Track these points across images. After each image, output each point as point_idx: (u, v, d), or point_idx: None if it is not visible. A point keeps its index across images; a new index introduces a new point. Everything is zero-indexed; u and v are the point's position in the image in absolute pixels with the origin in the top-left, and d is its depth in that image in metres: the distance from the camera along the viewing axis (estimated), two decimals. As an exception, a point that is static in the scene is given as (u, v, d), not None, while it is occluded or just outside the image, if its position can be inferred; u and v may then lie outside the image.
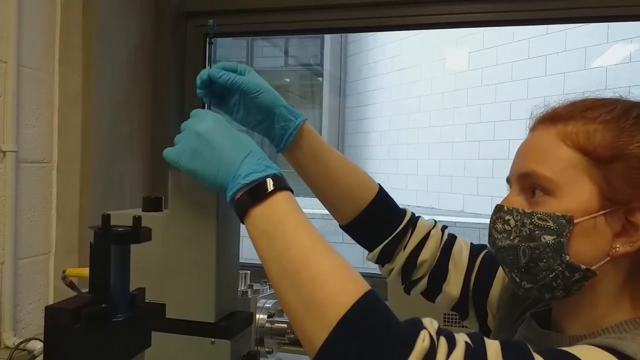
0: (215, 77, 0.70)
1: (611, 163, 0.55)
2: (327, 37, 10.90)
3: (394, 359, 0.43)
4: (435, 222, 0.82)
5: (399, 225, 0.79)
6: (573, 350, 0.47)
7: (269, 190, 0.54)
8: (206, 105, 0.73)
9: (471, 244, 0.80)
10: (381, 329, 0.45)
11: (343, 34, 10.72)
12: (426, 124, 8.46)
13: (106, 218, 0.44)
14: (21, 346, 1.18)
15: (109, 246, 0.44)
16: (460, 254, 0.78)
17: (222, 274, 0.62)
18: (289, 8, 1.53)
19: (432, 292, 0.79)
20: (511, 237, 0.58)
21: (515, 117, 7.02)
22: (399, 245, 0.79)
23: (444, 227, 0.83)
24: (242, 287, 0.82)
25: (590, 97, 0.62)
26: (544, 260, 0.56)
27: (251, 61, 11.74)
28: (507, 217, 0.59)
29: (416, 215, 0.83)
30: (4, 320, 1.21)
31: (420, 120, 8.71)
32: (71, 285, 0.75)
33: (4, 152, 1.20)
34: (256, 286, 0.85)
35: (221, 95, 0.74)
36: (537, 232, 0.56)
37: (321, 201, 0.79)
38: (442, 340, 0.45)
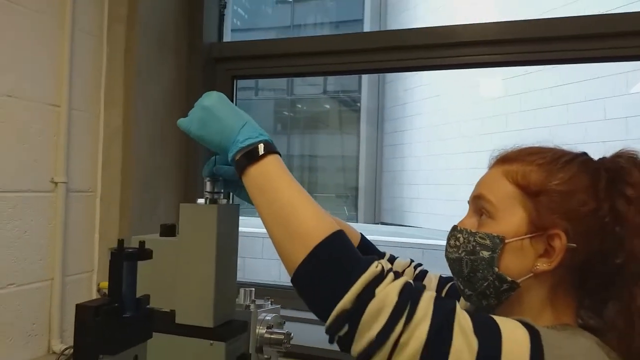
0: (216, 174, 0.83)
1: (538, 196, 0.67)
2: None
3: (351, 275, 0.57)
4: (411, 260, 0.98)
5: None
6: (495, 317, 0.59)
7: (261, 153, 0.68)
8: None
9: (440, 276, 0.94)
10: (346, 255, 0.60)
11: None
12: (465, 149, 8.47)
13: (121, 242, 0.59)
14: (66, 352, 1.35)
15: (122, 262, 0.59)
16: (429, 285, 0.92)
17: (220, 287, 0.76)
18: (316, 53, 1.68)
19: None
20: (459, 252, 0.70)
21: (556, 142, 6.97)
22: None
23: (418, 265, 0.98)
24: (246, 302, 0.96)
25: (534, 146, 0.74)
26: (480, 271, 0.68)
27: (291, 89, 12.08)
28: (458, 235, 0.71)
29: (394, 256, 0.97)
30: (53, 329, 1.39)
31: (459, 146, 8.72)
32: (104, 295, 0.90)
33: (56, 183, 1.39)
34: (259, 302, 0.98)
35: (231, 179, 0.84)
36: (477, 248, 0.68)
37: None
38: (391, 273, 0.59)
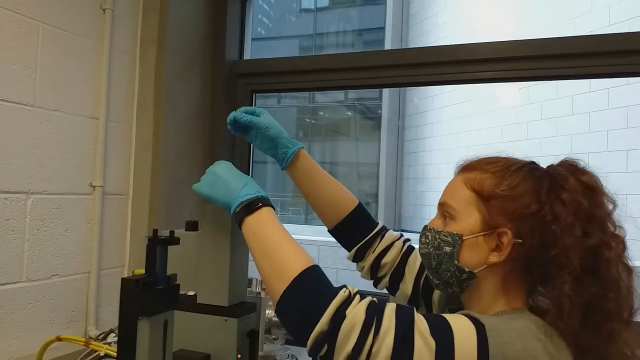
0: (238, 118, 1.03)
1: (489, 200, 0.80)
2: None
3: (324, 301, 0.69)
4: (401, 235, 1.09)
5: (370, 233, 1.06)
6: (445, 315, 0.72)
7: (257, 205, 0.83)
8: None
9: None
10: (319, 285, 0.73)
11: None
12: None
13: (155, 231, 0.75)
14: (100, 337, 1.53)
15: (156, 246, 0.74)
16: (415, 262, 1.03)
17: (233, 273, 0.92)
18: (328, 70, 1.84)
19: (392, 289, 1.04)
20: (428, 247, 0.84)
21: (576, 150, 6.96)
22: (369, 249, 1.06)
23: (407, 240, 1.09)
24: (257, 290, 1.11)
25: (492, 155, 0.87)
26: (444, 263, 0.81)
27: (313, 97, 12.23)
28: (427, 234, 0.85)
29: (387, 227, 1.10)
30: (89, 316, 1.57)
31: (480, 153, 8.73)
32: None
33: (94, 187, 1.58)
34: (268, 290, 1.14)
35: (244, 129, 1.06)
36: (441, 244, 0.82)
37: (313, 209, 1.08)
38: (357, 295, 0.72)
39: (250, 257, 0.83)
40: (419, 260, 1.03)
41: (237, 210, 0.83)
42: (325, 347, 0.67)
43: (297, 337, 0.71)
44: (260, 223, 0.81)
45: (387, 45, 11.78)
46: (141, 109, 1.72)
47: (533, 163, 0.84)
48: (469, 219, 0.80)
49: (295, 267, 0.73)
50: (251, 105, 1.94)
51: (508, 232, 0.77)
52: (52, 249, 1.46)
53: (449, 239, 0.81)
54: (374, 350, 0.66)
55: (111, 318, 1.63)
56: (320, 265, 0.77)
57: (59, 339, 1.17)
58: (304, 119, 12.66)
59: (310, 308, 0.69)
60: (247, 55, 2.02)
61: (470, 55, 1.66)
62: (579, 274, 0.72)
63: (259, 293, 1.09)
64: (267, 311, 1.10)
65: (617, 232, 0.77)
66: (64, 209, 1.49)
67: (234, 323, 0.90)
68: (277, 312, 0.74)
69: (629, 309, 0.74)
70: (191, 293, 0.92)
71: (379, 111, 11.63)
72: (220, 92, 1.92)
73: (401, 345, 0.66)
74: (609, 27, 6.15)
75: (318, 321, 0.67)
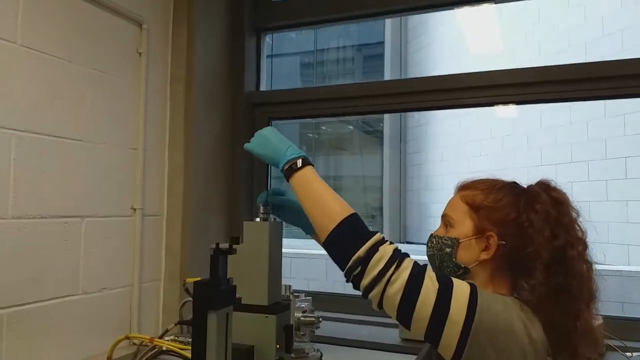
0: (270, 202, 1.21)
1: (479, 211, 1.02)
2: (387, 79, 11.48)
3: (364, 237, 0.92)
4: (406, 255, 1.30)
5: None
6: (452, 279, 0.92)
7: (301, 164, 1.03)
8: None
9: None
10: (361, 226, 0.95)
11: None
12: (487, 167, 8.67)
13: (217, 244, 0.96)
14: (143, 343, 1.72)
15: (219, 256, 0.95)
16: None
17: (271, 278, 1.12)
18: (337, 98, 2.07)
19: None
20: (433, 250, 1.06)
21: (577, 159, 7.12)
22: None
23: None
24: (287, 294, 1.31)
25: (483, 178, 1.09)
26: (445, 261, 1.03)
27: (316, 112, 12.47)
28: (433, 240, 1.07)
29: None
30: (132, 324, 1.77)
31: (480, 164, 8.93)
32: (187, 290, 1.26)
33: (135, 209, 1.79)
34: (297, 293, 1.34)
35: (278, 209, 1.22)
36: (443, 246, 1.03)
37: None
38: (388, 241, 0.93)
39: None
40: None
41: (285, 167, 1.04)
42: (359, 269, 0.91)
43: (340, 262, 0.94)
44: (307, 179, 1.03)
45: (387, 59, 12.03)
46: (172, 139, 1.93)
47: (514, 182, 1.06)
48: (464, 226, 1.02)
49: (342, 212, 0.96)
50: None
51: (494, 235, 0.99)
52: (102, 265, 1.66)
53: (449, 242, 1.02)
54: (392, 278, 0.89)
55: (150, 324, 1.84)
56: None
57: (127, 337, 1.38)
58: (307, 134, 12.92)
59: (354, 241, 0.92)
60: (263, 86, 2.25)
61: (465, 83, 1.89)
62: (548, 265, 0.93)
63: (288, 296, 1.29)
64: (295, 312, 1.31)
65: (579, 234, 0.98)
66: (111, 229, 1.70)
67: (273, 319, 1.11)
68: (326, 244, 0.96)
69: (589, 293, 0.95)
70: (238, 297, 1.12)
71: (381, 124, 11.87)
72: (240, 121, 2.14)
73: (414, 281, 0.89)
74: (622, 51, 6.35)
75: (359, 250, 0.90)
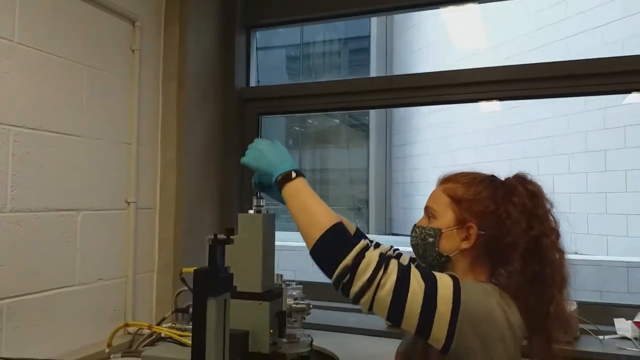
0: (262, 181, 1.27)
1: (460, 203, 1.08)
2: (373, 74, 11.54)
3: (350, 245, 0.96)
4: (391, 246, 1.37)
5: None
6: (432, 271, 0.99)
7: (293, 176, 1.09)
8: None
9: (410, 257, 1.32)
10: (346, 234, 1.00)
11: (389, 73, 11.35)
12: (471, 160, 8.78)
13: (215, 235, 1.02)
14: (138, 332, 1.78)
15: (217, 245, 1.01)
16: (404, 262, 1.31)
17: (264, 266, 1.19)
18: (324, 94, 2.13)
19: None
20: (417, 239, 1.12)
21: (559, 152, 7.26)
22: None
23: (396, 249, 1.38)
24: (278, 282, 1.38)
25: (464, 171, 1.16)
26: (428, 250, 1.10)
27: (302, 106, 12.48)
28: (416, 230, 1.13)
29: (379, 243, 1.37)
30: (127, 314, 1.81)
31: (464, 158, 9.04)
32: (183, 280, 1.31)
33: (129, 202, 1.84)
34: (288, 282, 1.41)
35: (267, 188, 1.27)
36: (426, 236, 1.10)
37: None
38: (372, 246, 0.99)
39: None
40: (406, 260, 1.32)
41: (279, 179, 1.10)
42: (347, 277, 0.95)
43: (326, 271, 0.98)
44: (298, 189, 1.09)
45: (373, 53, 12.09)
46: (165, 134, 1.98)
47: (493, 176, 1.13)
48: (446, 217, 1.09)
49: (329, 221, 1.01)
50: (257, 125, 2.23)
51: (474, 226, 1.06)
52: (97, 257, 1.71)
53: (432, 232, 1.09)
54: (382, 282, 0.94)
55: (144, 314, 1.89)
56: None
57: (127, 325, 1.43)
58: (294, 127, 12.94)
59: (339, 249, 0.97)
60: (252, 82, 2.30)
61: (449, 80, 1.96)
62: (524, 255, 1.00)
63: (280, 284, 1.36)
64: (287, 299, 1.37)
65: (553, 225, 1.06)
66: (106, 222, 1.75)
67: (266, 305, 1.17)
68: (312, 252, 1.01)
69: (561, 280, 1.02)
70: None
71: (367, 117, 11.94)
72: (231, 116, 2.19)
73: (401, 281, 0.94)
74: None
75: (345, 258, 0.95)
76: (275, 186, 1.12)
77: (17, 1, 1.45)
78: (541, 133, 7.52)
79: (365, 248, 0.98)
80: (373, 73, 11.54)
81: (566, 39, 6.89)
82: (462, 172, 1.15)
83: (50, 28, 1.54)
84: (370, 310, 0.96)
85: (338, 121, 12.59)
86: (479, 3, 2.20)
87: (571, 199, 6.90)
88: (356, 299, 0.96)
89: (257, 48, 2.39)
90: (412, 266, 0.99)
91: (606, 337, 1.67)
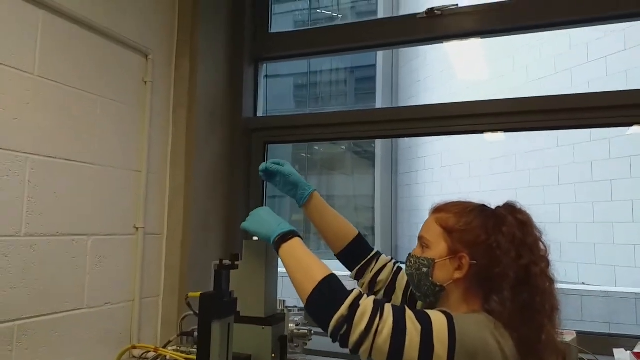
0: (269, 168, 1.39)
1: (452, 233, 1.12)
2: (379, 103, 11.69)
3: (343, 295, 1.00)
4: (392, 258, 1.41)
5: (367, 257, 1.39)
6: (426, 310, 1.02)
7: (290, 236, 1.15)
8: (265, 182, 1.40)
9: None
10: (338, 285, 1.04)
11: (394, 102, 11.49)
12: (476, 189, 8.80)
13: (221, 261, 1.06)
14: (143, 356, 1.81)
15: (222, 271, 1.06)
16: (402, 279, 1.36)
17: (267, 292, 1.23)
18: (327, 125, 2.20)
19: (387, 299, 1.36)
20: (412, 269, 1.16)
21: (564, 181, 7.27)
22: (367, 269, 1.38)
23: (396, 262, 1.42)
24: (281, 307, 1.42)
25: (455, 200, 1.20)
26: (422, 280, 1.13)
27: (309, 133, 12.58)
28: (411, 259, 1.17)
29: (380, 252, 1.42)
30: (133, 338, 1.85)
31: (469, 186, 9.07)
32: (188, 304, 1.36)
33: (137, 228, 1.89)
34: (290, 307, 1.45)
35: (272, 176, 1.41)
36: (421, 266, 1.14)
37: (322, 237, 1.41)
38: (365, 294, 1.03)
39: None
40: (405, 278, 1.35)
41: (276, 240, 1.16)
42: (345, 327, 0.98)
43: (322, 323, 1.02)
44: (293, 248, 1.15)
45: (378, 82, 12.26)
46: (174, 161, 2.05)
47: (484, 205, 1.17)
48: (438, 247, 1.13)
49: (321, 274, 1.06)
50: (264, 153, 2.29)
51: (466, 256, 1.09)
52: (105, 281, 1.76)
53: (425, 262, 1.13)
54: (379, 328, 0.97)
55: (150, 337, 1.92)
56: None
57: (134, 347, 1.47)
58: (300, 153, 13.05)
59: (333, 300, 1.01)
60: (259, 112, 2.37)
61: (453, 112, 2.02)
62: (514, 284, 1.04)
63: (282, 310, 1.39)
64: (289, 325, 1.41)
65: (542, 253, 1.09)
66: (115, 247, 1.80)
67: (269, 330, 1.21)
68: (307, 305, 1.05)
69: (551, 308, 1.06)
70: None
71: (372, 145, 12.03)
72: (238, 145, 2.26)
73: (398, 326, 0.97)
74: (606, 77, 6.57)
75: (339, 309, 0.99)
76: (272, 244, 1.18)
77: (39, 37, 1.53)
78: (547, 162, 7.55)
79: (359, 296, 1.02)
80: (379, 101, 11.68)
81: (570, 69, 6.98)
82: (454, 202, 1.19)
83: (67, 61, 1.63)
84: (369, 358, 0.99)
85: (344, 148, 12.70)
86: (481, 37, 2.27)
87: (578, 229, 6.87)
88: (356, 348, 0.99)
89: (265, 76, 2.48)
90: (407, 309, 1.02)
91: (605, 366, 1.69)
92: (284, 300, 1.43)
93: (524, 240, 1.07)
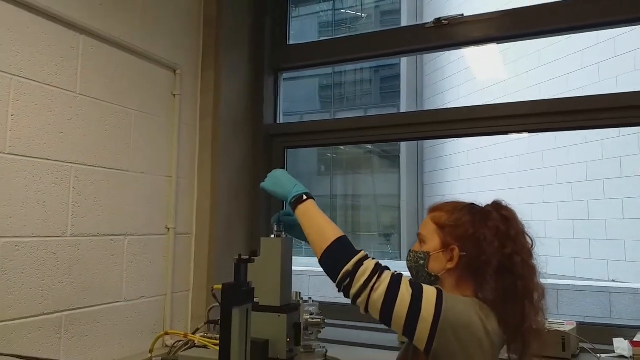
0: (282, 220, 1.49)
1: (444, 229, 1.25)
2: (404, 101, 11.73)
3: (351, 255, 1.15)
4: (395, 271, 1.53)
5: None
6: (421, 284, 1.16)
7: (304, 199, 1.30)
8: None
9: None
10: (347, 246, 1.19)
11: (419, 100, 11.54)
12: (503, 186, 8.76)
13: (239, 255, 1.22)
14: (175, 345, 1.98)
15: (241, 264, 1.22)
16: None
17: (282, 284, 1.39)
18: (344, 129, 2.35)
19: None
20: (411, 263, 1.30)
21: (592, 177, 7.21)
22: None
23: (399, 274, 1.54)
24: (297, 298, 1.57)
25: (449, 200, 1.33)
26: (420, 271, 1.27)
27: (334, 133, 12.70)
28: (410, 254, 1.31)
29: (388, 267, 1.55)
30: (166, 327, 2.03)
31: (496, 184, 9.03)
32: (214, 295, 1.52)
33: (169, 229, 2.07)
34: (305, 298, 1.60)
35: (290, 228, 1.49)
36: (418, 259, 1.27)
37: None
38: (371, 257, 1.17)
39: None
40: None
41: (292, 201, 1.31)
42: (347, 280, 1.14)
43: (332, 275, 1.17)
44: (307, 208, 1.30)
45: (403, 80, 12.30)
46: (201, 167, 2.23)
47: (473, 204, 1.30)
48: (433, 242, 1.27)
49: (333, 235, 1.21)
50: (284, 158, 2.45)
51: (456, 248, 1.23)
52: (140, 276, 1.95)
53: (422, 255, 1.27)
54: (375, 285, 1.12)
55: (181, 328, 2.10)
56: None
57: (167, 333, 1.65)
58: (326, 153, 13.19)
59: (342, 258, 1.16)
60: (279, 119, 2.53)
61: (477, 115, 2.12)
62: (498, 271, 1.16)
63: (298, 301, 1.55)
64: (304, 315, 1.56)
65: (525, 244, 1.22)
66: (149, 246, 1.99)
67: (284, 317, 1.37)
68: (321, 260, 1.20)
69: (531, 292, 1.18)
70: (256, 300, 1.39)
71: (398, 144, 12.07)
72: (259, 150, 2.43)
73: (392, 288, 1.12)
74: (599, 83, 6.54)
75: (347, 265, 1.15)
76: (289, 204, 1.33)
77: (80, 60, 1.73)
78: (573, 159, 7.49)
79: (365, 257, 1.17)
80: (403, 100, 11.74)
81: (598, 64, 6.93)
82: (447, 202, 1.32)
83: (104, 79, 1.82)
84: (366, 310, 1.14)
85: (369, 147, 12.78)
86: (497, 43, 2.36)
87: (607, 225, 6.81)
88: (354, 299, 1.15)
89: (288, 77, 2.60)
90: (403, 276, 1.17)
91: (604, 355, 1.78)
92: (299, 292, 1.58)
93: (507, 232, 1.20)
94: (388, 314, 1.12)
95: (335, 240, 1.20)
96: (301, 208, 1.30)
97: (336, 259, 1.18)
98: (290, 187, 1.34)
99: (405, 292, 1.12)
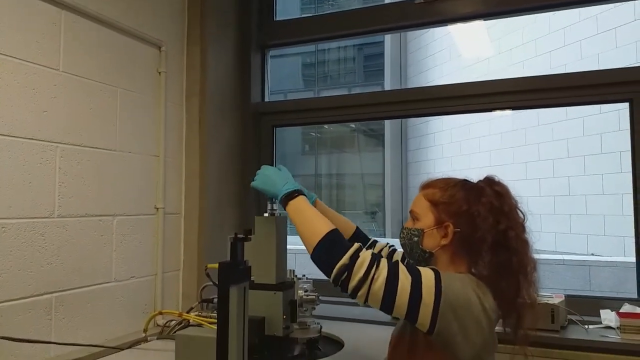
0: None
1: (437, 206, 1.25)
2: (388, 79, 11.70)
3: (346, 247, 1.15)
4: (387, 243, 1.55)
5: (366, 245, 1.53)
6: (417, 266, 1.17)
7: (295, 195, 1.30)
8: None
9: (403, 254, 1.50)
10: (341, 239, 1.18)
11: (403, 78, 11.52)
12: (486, 163, 8.84)
13: (236, 234, 1.21)
14: (167, 324, 1.98)
15: (237, 242, 1.21)
16: (397, 257, 1.50)
17: (278, 262, 1.38)
18: (331, 107, 2.34)
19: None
20: (404, 240, 1.30)
21: (574, 154, 7.31)
22: None
23: (391, 246, 1.55)
24: (291, 276, 1.57)
25: (441, 177, 1.33)
26: (414, 248, 1.27)
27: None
28: (404, 231, 1.31)
29: (377, 240, 1.56)
30: (157, 309, 2.02)
31: (480, 161, 9.11)
32: (208, 275, 1.51)
33: (157, 209, 2.05)
34: (299, 275, 1.60)
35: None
36: (412, 236, 1.27)
37: None
38: (365, 248, 1.17)
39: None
40: (399, 256, 1.50)
41: (282, 198, 1.31)
42: (345, 274, 1.13)
43: (326, 271, 1.16)
44: (298, 205, 1.30)
45: (387, 58, 12.24)
46: (188, 146, 2.20)
47: (465, 180, 1.30)
48: (427, 219, 1.27)
49: (325, 229, 1.20)
50: (272, 136, 2.43)
51: (450, 224, 1.23)
52: (130, 256, 1.92)
53: (416, 232, 1.27)
54: (375, 276, 1.12)
55: (172, 307, 2.09)
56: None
57: (160, 313, 1.64)
58: (310, 132, 13.15)
59: (336, 251, 1.15)
60: (267, 97, 2.50)
61: (459, 92, 2.13)
62: (492, 246, 1.17)
63: (292, 278, 1.55)
64: (299, 291, 1.57)
65: (518, 220, 1.23)
66: (138, 226, 1.96)
67: (280, 295, 1.37)
68: (313, 255, 1.19)
69: (525, 266, 1.19)
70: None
71: (382, 123, 12.07)
72: (248, 128, 2.40)
73: (392, 275, 1.12)
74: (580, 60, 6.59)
75: (342, 258, 1.13)
76: (279, 202, 1.32)
77: (62, 36, 1.67)
78: (556, 135, 7.57)
79: (359, 249, 1.16)
80: (387, 78, 11.71)
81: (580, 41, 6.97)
82: (439, 178, 1.33)
83: (88, 57, 1.77)
84: (365, 302, 1.13)
85: (354, 126, 12.76)
86: (484, 20, 2.35)
87: (587, 201, 6.92)
88: (354, 293, 1.13)
89: (272, 57, 2.58)
90: (400, 262, 1.17)
91: (591, 326, 1.83)
92: (294, 270, 1.58)
93: (501, 208, 1.20)
94: (390, 303, 1.12)
95: (327, 234, 1.18)
96: (292, 204, 1.29)
97: (330, 253, 1.16)
98: (280, 185, 1.34)
99: (404, 280, 1.12)
